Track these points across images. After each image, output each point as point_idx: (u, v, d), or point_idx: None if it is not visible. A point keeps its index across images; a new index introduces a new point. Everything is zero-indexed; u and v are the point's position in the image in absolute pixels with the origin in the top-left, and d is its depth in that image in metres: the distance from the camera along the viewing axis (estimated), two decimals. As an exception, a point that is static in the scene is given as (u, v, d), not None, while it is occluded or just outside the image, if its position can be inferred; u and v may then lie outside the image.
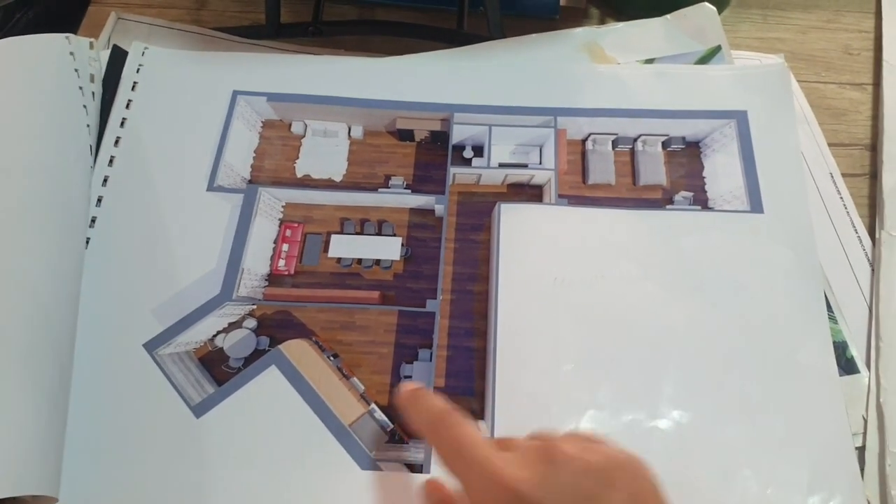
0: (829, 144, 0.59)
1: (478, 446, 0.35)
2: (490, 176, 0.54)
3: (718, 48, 0.60)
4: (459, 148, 0.56)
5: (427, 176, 0.55)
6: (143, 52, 0.59)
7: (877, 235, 0.54)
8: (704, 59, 0.60)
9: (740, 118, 0.56)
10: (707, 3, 0.62)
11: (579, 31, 0.62)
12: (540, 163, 0.55)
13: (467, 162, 0.55)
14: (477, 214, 0.53)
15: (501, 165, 0.55)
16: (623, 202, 0.53)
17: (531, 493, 0.34)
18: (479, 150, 0.56)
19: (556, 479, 0.34)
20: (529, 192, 0.54)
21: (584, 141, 0.56)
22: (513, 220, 0.51)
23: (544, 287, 0.49)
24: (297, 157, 0.55)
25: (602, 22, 0.66)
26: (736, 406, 0.46)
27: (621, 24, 0.63)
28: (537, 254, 0.50)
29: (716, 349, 0.47)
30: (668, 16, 0.62)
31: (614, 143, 0.56)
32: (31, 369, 0.43)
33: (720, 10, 0.66)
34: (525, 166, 0.55)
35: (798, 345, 0.48)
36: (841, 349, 0.49)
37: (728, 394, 0.46)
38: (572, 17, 0.66)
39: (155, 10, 0.66)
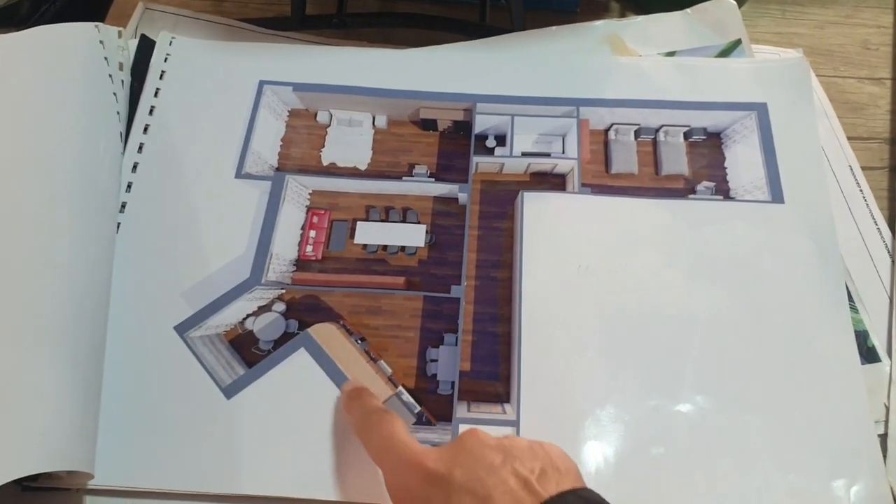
0: (848, 138, 0.59)
1: (402, 439, 0.38)
2: (513, 165, 0.55)
3: (738, 42, 0.61)
4: (482, 137, 0.56)
5: (450, 165, 0.55)
6: (171, 42, 0.59)
7: None
8: (725, 53, 0.61)
9: (761, 110, 0.56)
10: (727, -1, 0.63)
11: (600, 24, 0.63)
12: (563, 152, 0.55)
13: (490, 151, 0.56)
14: (500, 202, 0.54)
15: (524, 154, 0.55)
16: (646, 191, 0.54)
17: (437, 466, 0.36)
18: (501, 140, 0.56)
19: (464, 455, 0.36)
20: (552, 181, 0.55)
21: (606, 131, 0.57)
22: (536, 208, 0.52)
23: (568, 274, 0.50)
24: (323, 146, 0.56)
25: (622, 15, 0.67)
26: (758, 393, 0.46)
27: (642, 18, 0.63)
28: (561, 241, 0.51)
29: (738, 337, 0.48)
30: (688, 10, 0.63)
31: (636, 134, 0.57)
32: (67, 349, 0.43)
33: (739, 6, 0.66)
34: (548, 155, 0.55)
35: (820, 333, 0.48)
36: (862, 338, 0.49)
37: (750, 381, 0.46)
38: (593, 11, 0.67)
39: (179, 1, 0.66)
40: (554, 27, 0.62)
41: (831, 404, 0.46)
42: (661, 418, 0.45)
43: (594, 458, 0.44)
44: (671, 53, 0.60)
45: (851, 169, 0.57)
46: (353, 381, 0.46)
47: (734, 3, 0.63)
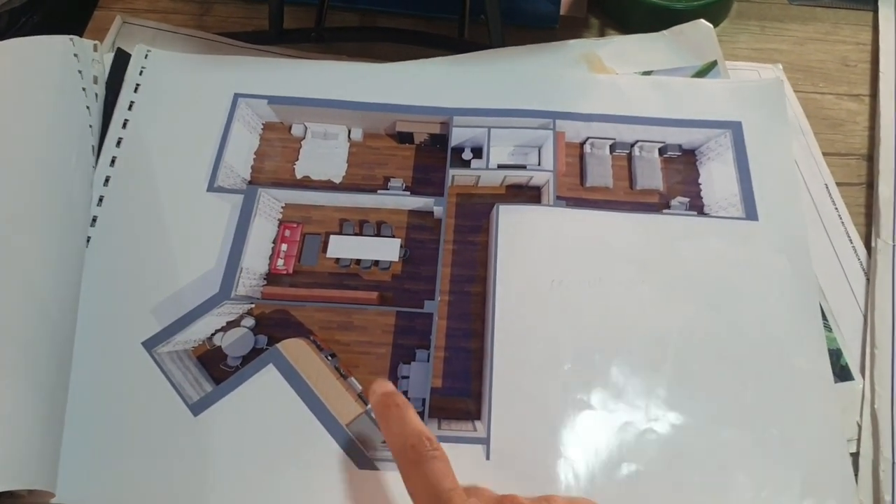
0: (826, 154, 0.59)
1: (446, 487, 0.37)
2: (489, 177, 0.55)
3: (714, 63, 0.61)
4: (458, 150, 0.56)
5: (426, 178, 0.55)
6: (146, 55, 0.59)
7: (872, 244, 0.54)
8: (701, 74, 0.61)
9: (735, 128, 0.56)
10: (704, 21, 0.63)
11: (578, 43, 0.63)
12: (539, 164, 0.55)
13: (466, 164, 0.56)
14: (475, 216, 0.53)
15: (500, 167, 0.55)
16: (620, 205, 0.54)
17: None
18: (478, 152, 0.56)
19: None
20: (528, 194, 0.55)
21: (581, 144, 0.57)
22: (511, 221, 0.52)
23: (542, 289, 0.49)
24: (297, 159, 0.56)
25: (602, 32, 0.67)
26: (731, 409, 0.46)
27: (619, 38, 0.64)
28: (535, 255, 0.51)
29: (711, 353, 0.48)
30: (665, 31, 0.63)
31: (612, 148, 0.56)
32: (31, 365, 0.43)
33: (718, 22, 0.67)
34: (524, 167, 0.55)
35: (793, 350, 0.48)
36: (835, 357, 0.49)
37: (723, 397, 0.46)
38: (572, 27, 0.67)
39: (159, 15, 0.66)
40: (533, 44, 0.62)
41: (804, 422, 0.45)
42: (634, 435, 0.45)
43: (565, 476, 0.43)
44: (648, 73, 0.60)
45: (827, 186, 0.57)
46: (383, 382, 0.44)
47: (710, 25, 0.63)
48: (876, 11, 0.69)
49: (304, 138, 0.57)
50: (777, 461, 0.44)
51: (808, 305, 0.49)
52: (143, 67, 0.58)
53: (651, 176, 0.55)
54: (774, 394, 0.46)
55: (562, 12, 0.66)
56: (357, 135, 0.57)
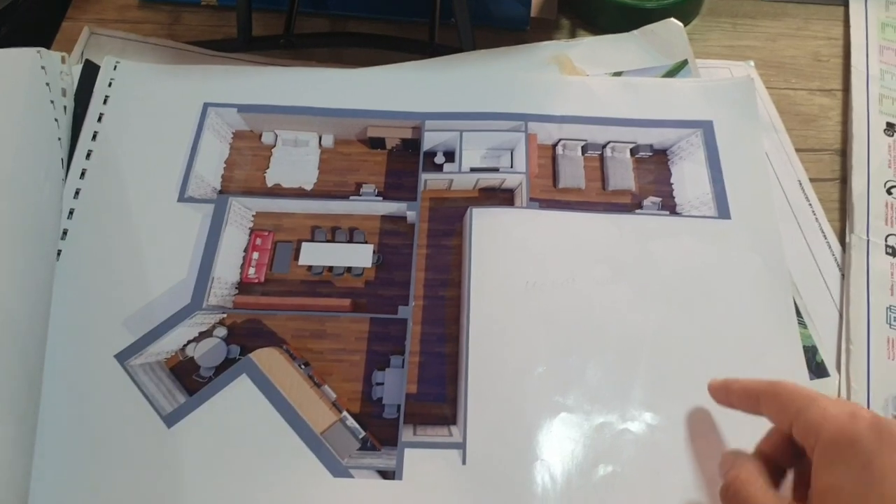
0: (799, 150, 0.59)
1: None
2: (462, 181, 0.55)
3: (685, 62, 0.61)
4: (431, 154, 0.56)
5: (399, 183, 0.55)
6: (115, 66, 0.59)
7: (847, 239, 0.54)
8: (671, 73, 0.61)
9: (706, 128, 0.57)
10: (674, 20, 0.63)
11: (548, 45, 0.63)
12: (511, 166, 0.55)
13: (439, 168, 0.55)
14: (449, 220, 0.53)
15: (473, 170, 0.55)
16: (593, 206, 0.54)
17: None
18: (450, 156, 0.56)
19: None
20: (501, 196, 0.55)
21: (553, 146, 0.57)
22: (484, 223, 0.52)
23: (516, 291, 0.49)
24: (268, 167, 0.55)
25: (573, 33, 0.67)
26: (706, 409, 0.46)
27: (589, 39, 0.64)
28: (509, 258, 0.50)
29: (685, 352, 0.48)
30: (635, 31, 0.63)
31: (584, 149, 0.56)
32: (-1, 380, 0.42)
33: (689, 20, 0.67)
34: (496, 170, 0.55)
35: (767, 349, 0.48)
36: (811, 353, 0.49)
37: (698, 397, 0.46)
38: (543, 29, 0.67)
39: (128, 25, 0.66)
40: (504, 47, 0.62)
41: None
42: (609, 436, 0.45)
43: (541, 478, 0.43)
44: (618, 73, 0.60)
45: (800, 182, 0.57)
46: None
47: (680, 24, 0.63)
48: (847, 6, 0.69)
49: (274, 146, 0.56)
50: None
51: (782, 303, 0.49)
52: (112, 79, 0.58)
53: (623, 176, 0.55)
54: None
55: (532, 14, 0.66)
56: (328, 141, 0.57)
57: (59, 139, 0.54)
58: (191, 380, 0.47)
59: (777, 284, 0.50)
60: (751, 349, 0.48)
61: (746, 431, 0.44)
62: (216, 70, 0.60)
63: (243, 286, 0.51)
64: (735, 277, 0.50)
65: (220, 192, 0.54)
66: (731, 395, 0.42)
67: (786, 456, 0.39)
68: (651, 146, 0.56)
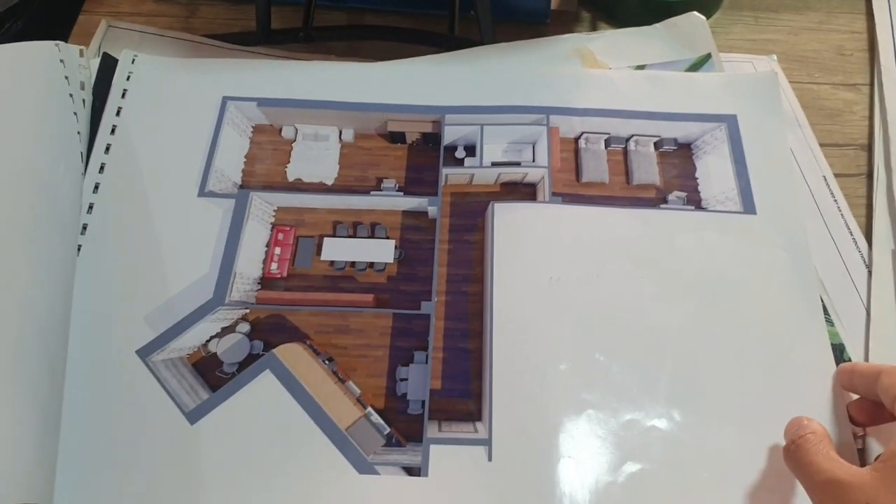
0: (824, 145, 0.59)
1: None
2: (483, 175, 0.54)
3: (708, 56, 0.60)
4: (451, 148, 0.55)
5: (419, 178, 0.54)
6: (133, 60, 0.58)
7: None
8: (694, 67, 0.60)
9: (730, 122, 0.56)
10: (696, 13, 0.62)
11: (570, 37, 0.62)
12: (533, 160, 0.55)
13: (459, 162, 0.55)
14: (470, 215, 0.53)
15: (494, 164, 0.54)
16: (617, 201, 0.53)
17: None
18: (471, 150, 0.55)
19: None
20: (523, 191, 0.54)
21: (576, 140, 0.56)
22: (506, 219, 0.51)
23: (539, 286, 0.49)
24: (288, 162, 0.55)
25: (593, 26, 0.66)
26: (734, 405, 0.45)
27: (611, 32, 0.63)
28: (532, 253, 0.50)
29: (712, 348, 0.47)
30: (657, 24, 0.62)
31: (607, 143, 0.56)
32: (23, 377, 0.42)
33: (711, 14, 0.66)
34: (518, 164, 0.55)
35: (795, 344, 0.47)
36: (838, 351, 0.48)
37: (725, 393, 0.46)
38: (563, 21, 0.66)
39: (145, 18, 0.65)
40: (524, 40, 0.61)
41: (806, 415, 0.44)
42: (637, 433, 0.44)
43: (568, 476, 0.43)
44: (641, 67, 0.60)
45: (825, 179, 0.56)
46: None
47: (703, 18, 0.62)
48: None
49: (294, 140, 0.56)
50: (780, 457, 0.43)
51: (809, 299, 0.49)
52: (130, 72, 0.58)
53: (647, 170, 0.54)
54: (778, 388, 0.46)
55: (552, 6, 0.66)
56: (348, 135, 0.56)
57: (79, 133, 0.53)
58: (214, 376, 0.47)
59: (804, 280, 0.49)
60: (778, 345, 0.47)
61: (772, 429, 0.44)
62: (235, 63, 0.59)
63: (265, 281, 0.50)
64: (761, 273, 0.50)
65: (241, 186, 0.53)
66: (855, 375, 0.44)
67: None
68: (675, 140, 0.56)
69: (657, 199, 0.53)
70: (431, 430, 0.45)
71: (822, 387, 0.46)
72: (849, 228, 0.54)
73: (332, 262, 0.51)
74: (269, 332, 0.48)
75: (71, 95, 0.54)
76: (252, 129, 0.56)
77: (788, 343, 0.47)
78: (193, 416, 0.45)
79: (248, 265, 0.50)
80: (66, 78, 0.54)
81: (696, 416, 0.45)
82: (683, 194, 0.53)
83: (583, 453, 0.44)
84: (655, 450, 0.44)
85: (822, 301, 0.49)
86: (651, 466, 0.43)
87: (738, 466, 0.43)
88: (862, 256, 0.53)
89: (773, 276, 0.50)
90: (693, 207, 0.53)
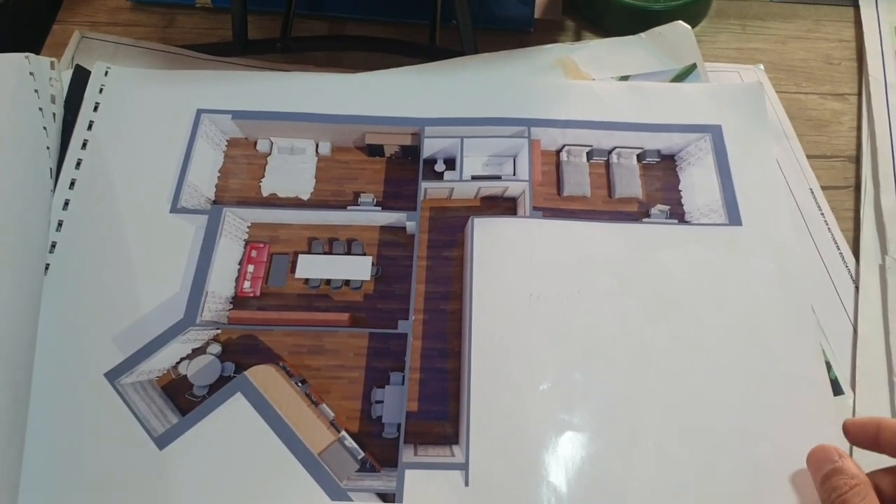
0: (811, 156, 0.58)
1: None
2: (463, 189, 0.53)
3: (693, 66, 0.59)
4: (431, 162, 0.54)
5: (398, 192, 0.53)
6: (106, 72, 0.57)
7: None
8: (679, 78, 0.59)
9: (715, 132, 0.55)
10: (682, 22, 0.61)
11: (553, 48, 0.61)
12: (514, 174, 0.54)
13: (439, 176, 0.54)
14: (449, 230, 0.52)
15: (474, 178, 0.53)
16: (599, 215, 0.52)
17: None
18: (451, 164, 0.54)
19: None
20: (504, 205, 0.53)
21: (558, 152, 0.55)
22: (486, 234, 0.50)
23: (519, 304, 0.48)
24: (263, 176, 0.54)
25: (578, 35, 0.65)
26: (721, 423, 0.44)
27: (595, 42, 0.62)
28: (512, 269, 0.49)
29: (699, 365, 0.46)
30: (642, 34, 0.61)
31: (589, 155, 0.55)
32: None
33: (697, 22, 0.65)
34: (499, 178, 0.54)
35: (786, 357, 0.46)
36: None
37: (713, 411, 0.44)
38: (547, 30, 0.65)
39: (121, 29, 0.64)
40: (507, 51, 0.60)
41: (802, 432, 0.44)
42: (620, 455, 0.43)
43: (547, 501, 0.42)
44: (625, 77, 0.59)
45: (812, 191, 0.55)
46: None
47: (689, 27, 0.61)
48: (857, 7, 0.67)
49: (270, 154, 0.55)
50: (774, 473, 0.43)
51: (800, 310, 0.48)
52: (102, 85, 0.56)
53: (630, 183, 0.53)
54: (769, 404, 0.45)
55: (536, 15, 0.65)
56: (325, 149, 0.55)
57: (48, 148, 0.52)
58: (183, 399, 0.45)
59: (792, 290, 0.48)
60: (769, 359, 0.46)
61: (763, 445, 0.43)
62: (210, 75, 0.58)
63: (238, 300, 0.49)
64: (749, 285, 0.49)
65: (214, 202, 0.52)
66: (884, 430, 0.41)
67: None
68: (658, 151, 0.55)
69: (640, 213, 0.52)
70: (407, 454, 0.44)
71: (816, 400, 0.45)
72: (836, 243, 0.53)
73: (306, 280, 0.50)
74: (240, 353, 0.47)
75: (41, 109, 0.53)
76: (226, 143, 0.55)
77: (780, 356, 0.46)
78: (162, 441, 0.44)
79: (221, 283, 0.49)
80: (36, 91, 0.53)
81: (682, 435, 0.44)
82: (666, 207, 0.52)
83: (562, 477, 0.42)
84: (641, 471, 0.43)
85: (812, 310, 0.48)
86: (634, 490, 0.42)
87: (725, 485, 0.42)
88: (849, 272, 0.52)
89: (760, 288, 0.49)
90: (676, 221, 0.51)
